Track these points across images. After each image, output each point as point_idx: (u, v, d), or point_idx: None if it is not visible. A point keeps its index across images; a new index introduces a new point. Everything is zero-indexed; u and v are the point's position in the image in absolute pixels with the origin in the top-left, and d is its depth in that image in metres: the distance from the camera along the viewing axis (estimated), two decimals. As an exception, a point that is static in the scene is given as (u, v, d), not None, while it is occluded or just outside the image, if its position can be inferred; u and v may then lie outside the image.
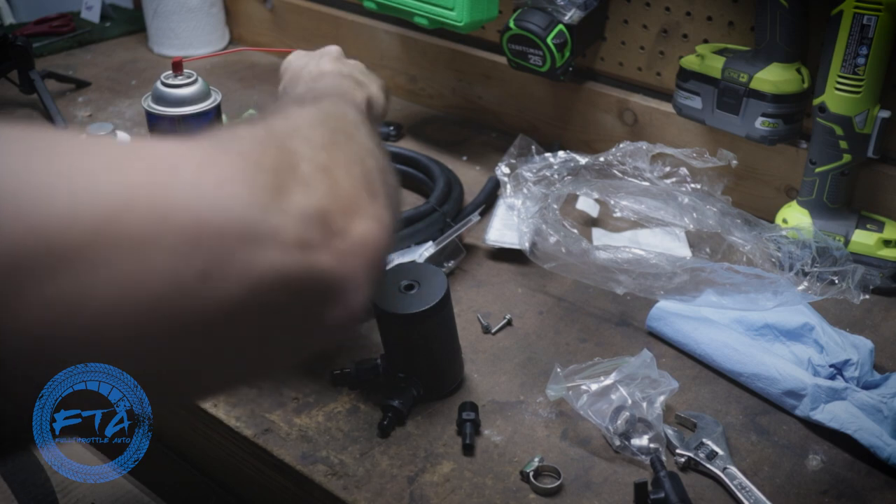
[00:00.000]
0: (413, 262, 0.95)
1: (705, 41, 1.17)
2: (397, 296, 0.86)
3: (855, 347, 0.90)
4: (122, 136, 1.26)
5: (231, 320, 0.40)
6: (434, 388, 0.89)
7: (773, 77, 1.05)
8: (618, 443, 0.83)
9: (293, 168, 0.45)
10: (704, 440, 0.83)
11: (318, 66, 0.84)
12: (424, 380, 0.88)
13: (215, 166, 0.42)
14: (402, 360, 0.89)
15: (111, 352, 0.37)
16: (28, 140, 0.38)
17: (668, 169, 1.09)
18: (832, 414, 0.84)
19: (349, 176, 0.49)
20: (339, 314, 0.45)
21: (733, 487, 0.79)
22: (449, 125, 1.45)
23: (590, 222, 1.18)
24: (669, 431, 0.84)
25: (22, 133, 0.39)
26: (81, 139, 0.41)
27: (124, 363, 0.37)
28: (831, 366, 0.88)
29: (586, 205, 1.18)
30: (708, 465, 0.81)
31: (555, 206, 1.02)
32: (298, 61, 0.87)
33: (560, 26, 1.18)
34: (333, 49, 0.89)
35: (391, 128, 1.40)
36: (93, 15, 1.81)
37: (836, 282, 0.91)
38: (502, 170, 1.17)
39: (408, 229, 1.09)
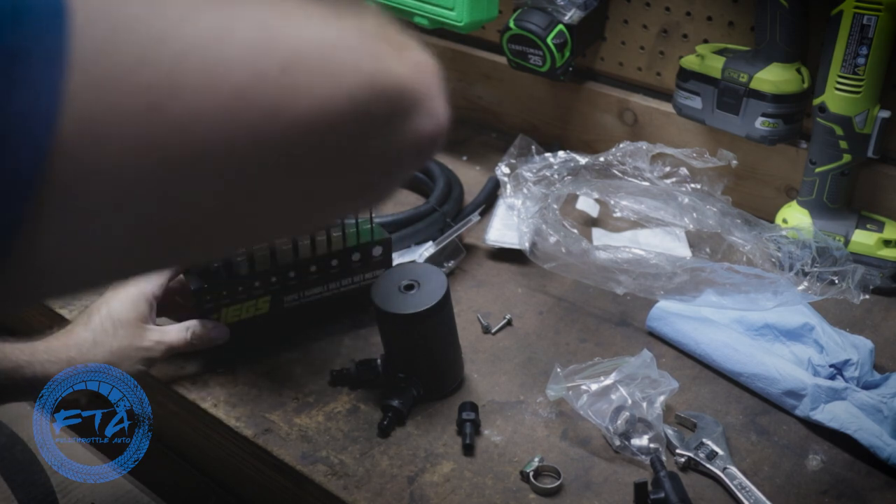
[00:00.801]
0: (413, 262, 0.95)
1: (705, 41, 1.17)
2: (397, 296, 0.86)
3: (855, 347, 0.90)
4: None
5: (319, 127, 0.39)
6: (434, 388, 0.89)
7: (773, 77, 1.05)
8: (618, 443, 0.83)
9: (395, 33, 0.44)
10: (704, 440, 0.83)
11: None
12: (424, 380, 0.88)
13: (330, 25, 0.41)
14: (402, 360, 0.89)
15: (205, 161, 0.35)
16: None
17: (668, 169, 1.09)
18: (832, 414, 0.84)
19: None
20: (426, 123, 0.45)
21: (733, 487, 0.79)
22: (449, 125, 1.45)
23: (590, 222, 1.18)
24: (669, 431, 0.84)
25: None
26: None
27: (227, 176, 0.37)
28: (831, 366, 0.88)
29: (586, 205, 1.18)
30: (708, 465, 0.81)
31: (555, 206, 1.02)
32: None
33: (560, 26, 1.18)
34: None
35: (391, 128, 1.39)
36: (93, 15, 1.81)
37: (836, 282, 0.91)
38: (502, 170, 1.17)
39: (408, 229, 1.09)
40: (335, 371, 0.91)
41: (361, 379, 0.90)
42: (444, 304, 0.86)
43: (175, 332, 0.88)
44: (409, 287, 0.87)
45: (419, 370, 0.88)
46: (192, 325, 0.89)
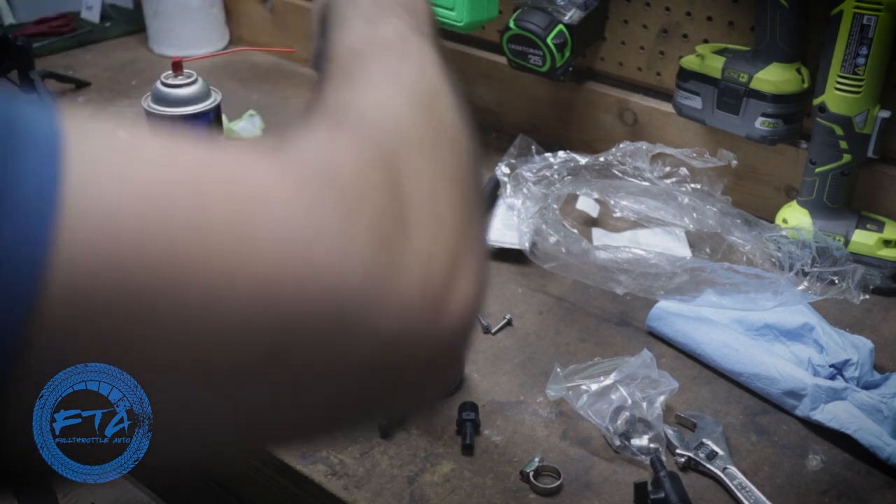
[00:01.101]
0: None
1: (705, 41, 1.17)
2: None
3: (855, 347, 0.90)
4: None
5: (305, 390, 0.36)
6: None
7: (773, 77, 1.05)
8: (618, 443, 0.83)
9: (400, 213, 0.39)
10: (704, 440, 0.83)
11: None
12: None
13: (311, 210, 0.36)
14: None
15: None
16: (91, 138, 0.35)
17: (668, 169, 1.09)
18: (832, 414, 0.84)
19: (452, 209, 0.42)
20: (430, 388, 0.41)
21: (733, 487, 0.79)
22: (449, 125, 1.45)
23: (590, 222, 1.18)
24: (669, 431, 0.84)
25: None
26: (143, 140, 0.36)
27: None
28: (831, 366, 0.88)
29: (586, 205, 1.18)
30: (708, 465, 0.81)
31: (555, 206, 1.02)
32: None
33: (560, 26, 1.18)
34: None
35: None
36: (93, 15, 1.81)
37: (836, 282, 0.91)
38: (502, 170, 1.17)
39: (408, 229, 1.09)
40: None
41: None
42: None
43: None
44: None
45: None
46: None
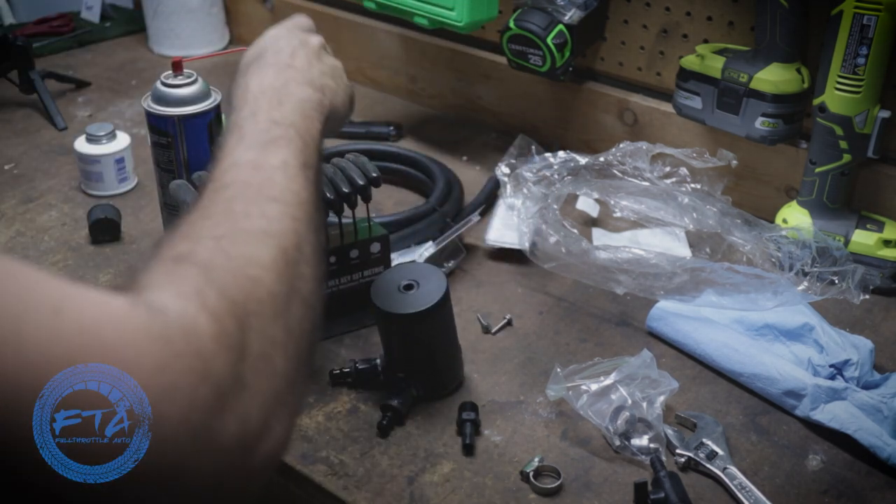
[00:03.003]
0: (413, 262, 0.95)
1: (705, 41, 1.17)
2: (397, 296, 0.86)
3: (855, 347, 0.90)
4: (122, 136, 1.26)
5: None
6: (434, 388, 0.89)
7: (773, 77, 1.05)
8: (618, 443, 0.83)
9: (238, 373, 0.45)
10: (704, 440, 0.83)
11: (290, 59, 0.76)
12: (424, 380, 0.88)
13: (165, 373, 0.42)
14: (402, 359, 0.89)
15: None
16: None
17: (668, 169, 1.09)
18: (832, 414, 0.84)
19: (286, 364, 0.49)
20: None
21: (733, 487, 0.79)
22: (449, 125, 1.45)
23: (590, 222, 1.18)
24: (669, 431, 0.84)
25: None
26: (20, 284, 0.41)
27: None
28: (831, 366, 0.88)
29: (586, 205, 1.18)
30: (708, 465, 0.81)
31: (555, 206, 1.02)
32: (274, 45, 0.80)
33: (560, 26, 1.18)
34: (304, 21, 0.87)
35: (391, 128, 1.39)
36: (93, 15, 1.81)
37: (836, 282, 0.91)
38: (502, 170, 1.17)
39: (408, 229, 1.09)
40: (335, 371, 0.91)
41: (361, 379, 0.90)
42: (444, 304, 0.86)
43: None
44: (409, 287, 0.86)
45: (419, 370, 0.88)
46: None
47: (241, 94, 0.69)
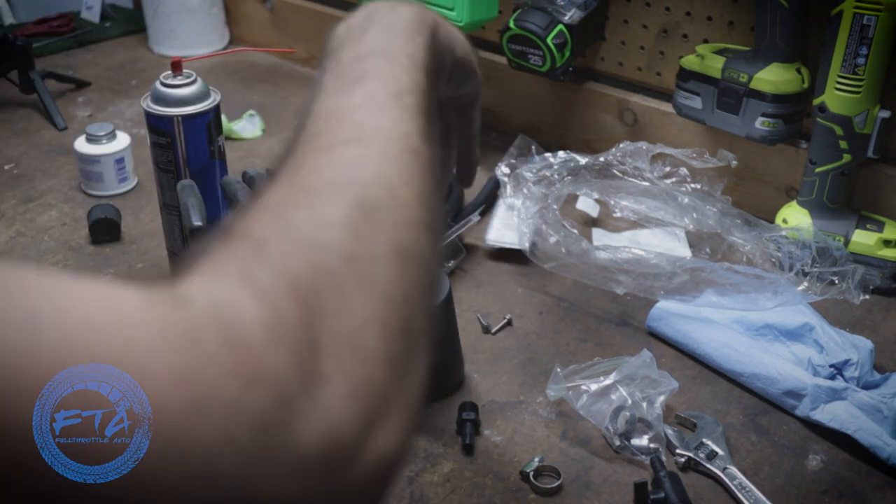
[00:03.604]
0: None
1: (705, 41, 1.17)
2: None
3: (855, 347, 0.90)
4: (122, 136, 1.26)
5: None
6: (436, 389, 0.89)
7: (773, 77, 1.05)
8: (618, 443, 0.83)
9: (306, 365, 0.36)
10: (704, 440, 0.83)
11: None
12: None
13: (193, 382, 0.33)
14: None
15: None
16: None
17: (668, 169, 1.09)
18: (832, 414, 0.84)
19: (384, 349, 0.38)
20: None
21: (733, 487, 0.79)
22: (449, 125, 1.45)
23: (590, 222, 1.18)
24: (669, 431, 0.84)
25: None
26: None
27: None
28: (831, 366, 0.88)
29: (586, 205, 1.18)
30: (708, 465, 0.81)
31: (555, 206, 1.02)
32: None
33: (560, 26, 1.18)
34: None
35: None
36: (93, 15, 1.81)
37: (836, 282, 0.91)
38: (502, 170, 1.17)
39: (408, 229, 1.09)
40: None
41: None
42: (447, 305, 0.86)
43: None
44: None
45: None
46: None
47: (327, 42, 0.57)
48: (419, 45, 0.54)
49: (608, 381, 0.87)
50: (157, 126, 0.95)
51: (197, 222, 0.88)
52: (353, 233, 0.41)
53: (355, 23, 0.56)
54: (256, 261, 0.38)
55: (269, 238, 0.40)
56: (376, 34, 0.54)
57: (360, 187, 0.43)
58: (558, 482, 0.80)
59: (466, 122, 0.68)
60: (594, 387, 0.86)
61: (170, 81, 0.95)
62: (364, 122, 0.47)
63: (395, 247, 0.42)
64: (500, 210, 1.16)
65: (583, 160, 1.11)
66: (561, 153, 1.13)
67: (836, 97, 1.00)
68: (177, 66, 0.95)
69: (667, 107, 1.22)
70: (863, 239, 1.05)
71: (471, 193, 1.22)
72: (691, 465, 0.82)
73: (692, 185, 1.09)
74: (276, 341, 0.35)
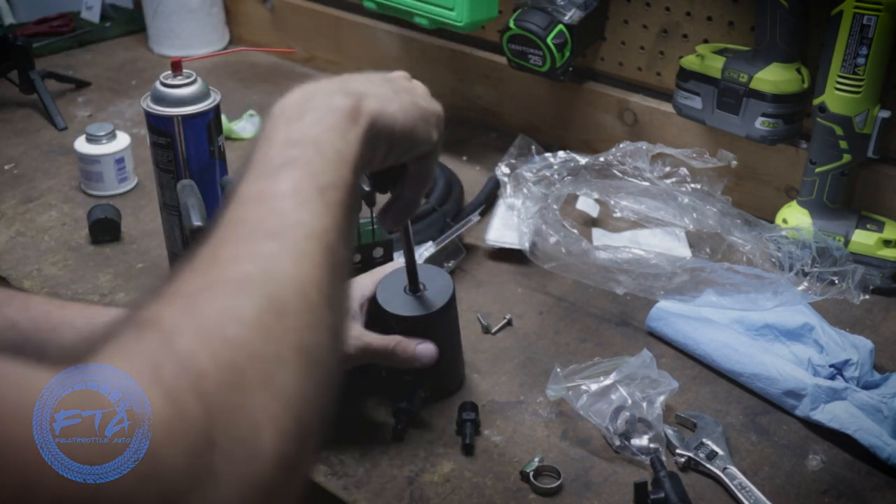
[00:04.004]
0: (419, 265, 0.94)
1: (705, 41, 1.17)
2: (403, 298, 0.85)
3: (855, 347, 0.90)
4: (122, 136, 1.26)
5: None
6: (438, 389, 0.89)
7: (773, 77, 1.05)
8: (618, 443, 0.83)
9: (202, 465, 0.37)
10: (704, 440, 0.83)
11: (331, 77, 0.62)
12: (430, 380, 0.88)
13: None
14: None
15: None
16: None
17: (668, 169, 1.09)
18: (832, 414, 0.84)
19: (277, 441, 0.40)
20: None
21: (733, 487, 0.79)
22: (449, 125, 1.44)
23: (590, 222, 1.18)
24: (669, 431, 0.84)
25: None
26: None
27: None
28: (831, 366, 0.88)
29: (586, 205, 1.18)
30: (708, 465, 0.81)
31: (555, 206, 1.02)
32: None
33: (560, 26, 1.18)
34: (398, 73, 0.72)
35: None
36: (93, 15, 1.81)
37: (836, 282, 0.91)
38: (502, 170, 1.17)
39: (408, 229, 1.09)
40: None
41: (362, 380, 0.90)
42: (452, 306, 0.86)
43: (378, 338, 0.82)
44: (415, 289, 0.86)
45: (425, 371, 0.88)
46: (397, 338, 0.83)
47: (264, 122, 0.58)
48: (349, 140, 0.56)
49: (608, 381, 0.87)
50: (157, 126, 0.95)
51: (197, 222, 0.88)
52: (262, 332, 0.42)
53: (291, 105, 0.57)
54: (165, 354, 0.39)
55: (178, 330, 0.41)
56: (310, 123, 0.55)
57: (274, 286, 0.45)
58: (558, 482, 0.80)
59: (416, 171, 0.70)
60: (594, 387, 0.86)
61: (170, 81, 0.95)
62: (286, 215, 0.49)
63: (300, 349, 0.43)
64: (500, 210, 1.16)
65: (583, 160, 1.11)
66: (561, 153, 1.13)
67: (836, 97, 1.00)
68: (177, 66, 0.95)
69: (667, 107, 1.22)
70: (863, 239, 1.05)
71: (471, 193, 1.22)
72: (691, 465, 0.82)
73: (692, 185, 1.08)
74: (174, 440, 0.37)
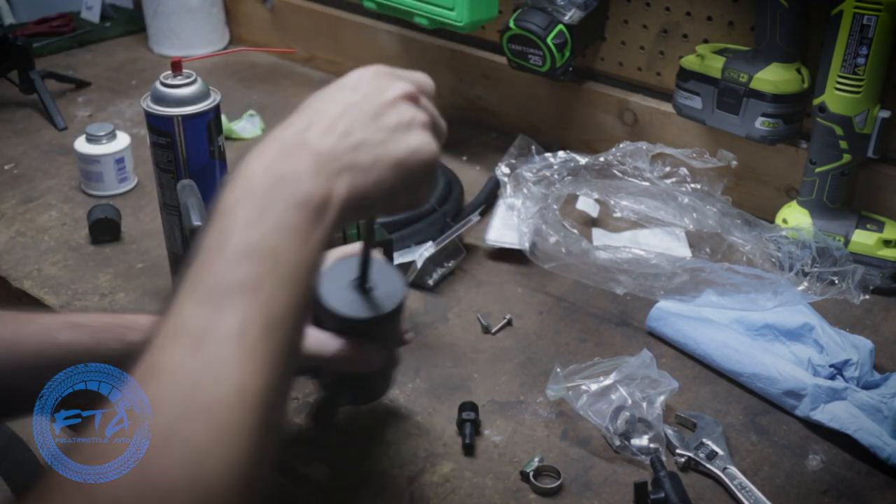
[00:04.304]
0: (375, 259, 0.78)
1: (705, 41, 1.17)
2: (347, 294, 0.72)
3: (855, 347, 0.90)
4: (122, 136, 1.26)
5: None
6: (361, 398, 0.83)
7: (773, 77, 1.05)
8: (618, 443, 0.83)
9: None
10: (704, 440, 0.83)
11: (316, 128, 0.56)
12: (354, 387, 0.79)
13: None
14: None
15: None
16: None
17: (668, 169, 1.09)
18: (832, 414, 0.84)
19: None
20: None
21: (733, 487, 0.79)
22: (449, 125, 1.44)
23: (590, 222, 1.18)
24: (669, 431, 0.84)
25: None
26: None
27: None
28: (831, 366, 0.88)
29: (586, 205, 1.18)
30: (708, 465, 0.81)
31: (555, 206, 1.02)
32: (327, 98, 0.61)
33: (560, 26, 1.18)
34: (407, 73, 0.67)
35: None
36: (93, 15, 1.81)
37: (836, 282, 0.91)
38: (502, 170, 1.17)
39: (408, 229, 1.09)
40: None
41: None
42: (399, 312, 0.73)
43: (326, 338, 0.72)
44: (364, 286, 0.72)
45: (355, 376, 0.77)
46: (341, 343, 0.72)
47: (226, 189, 0.52)
48: (312, 245, 0.50)
49: (608, 381, 0.87)
50: (157, 126, 0.95)
51: (197, 222, 0.88)
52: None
53: (257, 183, 0.51)
54: None
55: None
56: (271, 225, 0.49)
57: (199, 460, 0.42)
58: (558, 482, 0.80)
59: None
60: (594, 387, 0.86)
61: (170, 81, 0.95)
62: (223, 379, 0.44)
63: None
64: (500, 210, 1.16)
65: (583, 160, 1.11)
66: (561, 153, 1.13)
67: (836, 97, 1.00)
68: (177, 66, 0.95)
69: (667, 107, 1.22)
70: (863, 239, 1.05)
71: (471, 193, 1.22)
72: (691, 465, 0.82)
73: (692, 185, 1.09)
74: None
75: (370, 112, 0.58)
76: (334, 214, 0.52)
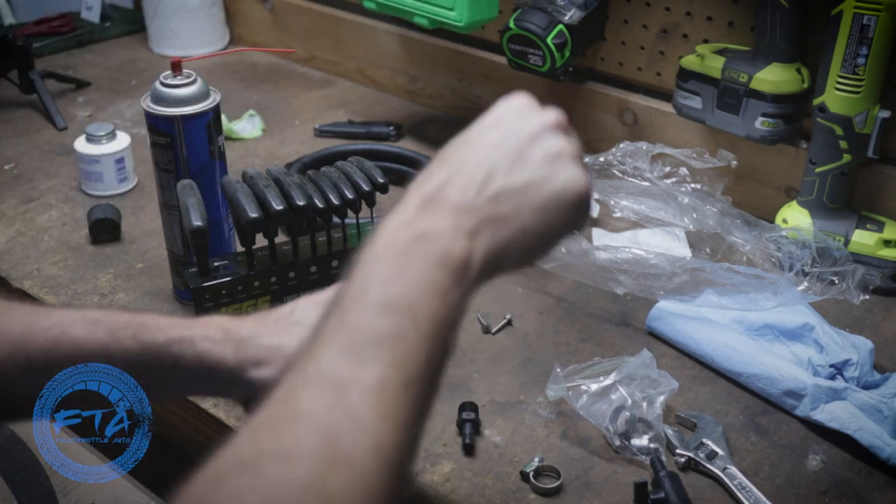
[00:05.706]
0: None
1: (705, 41, 1.17)
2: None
3: (855, 347, 0.90)
4: (122, 136, 1.26)
5: None
6: None
7: (773, 77, 1.05)
8: (618, 443, 0.83)
9: None
10: (704, 440, 0.83)
11: (468, 169, 0.56)
12: None
13: None
14: None
15: None
16: None
17: (668, 169, 1.09)
18: (832, 414, 0.84)
19: None
20: None
21: (733, 487, 0.79)
22: (449, 125, 1.45)
23: (590, 222, 1.18)
24: (669, 431, 0.84)
25: None
26: None
27: None
28: (831, 366, 0.88)
29: (586, 205, 1.18)
30: (708, 465, 0.81)
31: (555, 206, 1.02)
32: (481, 135, 0.62)
33: (560, 26, 1.18)
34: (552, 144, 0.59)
35: (391, 128, 1.40)
36: (93, 15, 1.81)
37: (836, 282, 0.91)
38: (502, 170, 1.17)
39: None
40: None
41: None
42: None
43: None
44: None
45: None
46: None
47: (368, 244, 0.51)
48: (450, 303, 0.49)
49: (608, 381, 0.87)
50: (157, 126, 0.95)
51: (197, 222, 0.88)
52: None
53: (396, 243, 0.51)
54: None
55: None
56: (411, 281, 0.49)
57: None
58: (558, 482, 0.80)
59: None
60: (594, 387, 0.86)
61: (170, 81, 0.95)
62: (362, 433, 0.44)
63: None
64: (500, 210, 1.16)
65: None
66: (561, 153, 1.13)
67: (836, 97, 1.00)
68: (177, 66, 0.95)
69: (667, 107, 1.22)
70: (863, 239, 1.05)
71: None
72: (691, 465, 0.82)
73: (692, 185, 1.09)
74: None
75: (514, 151, 0.57)
76: (475, 272, 0.51)
